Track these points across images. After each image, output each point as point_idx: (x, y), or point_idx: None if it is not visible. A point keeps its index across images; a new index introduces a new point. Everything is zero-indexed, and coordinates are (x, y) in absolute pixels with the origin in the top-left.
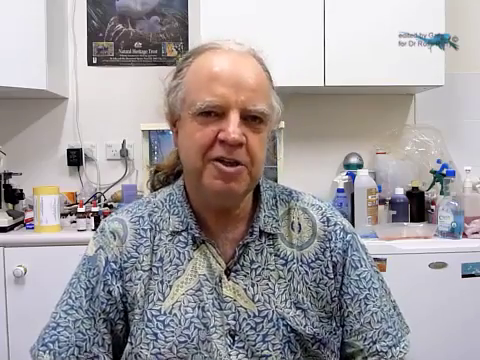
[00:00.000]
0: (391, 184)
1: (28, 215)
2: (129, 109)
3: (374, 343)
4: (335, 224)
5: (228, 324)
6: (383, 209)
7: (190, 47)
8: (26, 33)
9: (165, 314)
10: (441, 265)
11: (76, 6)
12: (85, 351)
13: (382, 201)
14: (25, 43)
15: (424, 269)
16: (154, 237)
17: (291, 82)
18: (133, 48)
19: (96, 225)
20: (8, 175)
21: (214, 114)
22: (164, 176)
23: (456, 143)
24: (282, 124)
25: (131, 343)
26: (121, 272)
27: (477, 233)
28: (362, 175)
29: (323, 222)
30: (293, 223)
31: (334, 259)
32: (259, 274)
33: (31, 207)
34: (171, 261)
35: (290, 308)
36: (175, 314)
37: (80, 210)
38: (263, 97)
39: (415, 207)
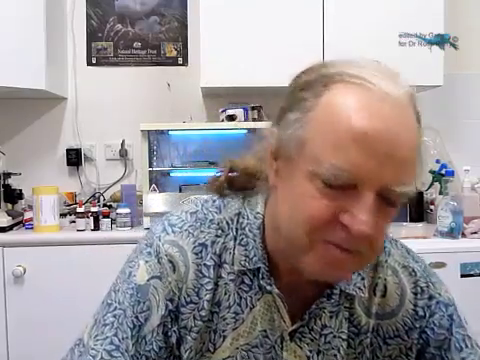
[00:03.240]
0: None
1: (27, 215)
2: (128, 109)
3: None
4: (430, 297)
5: None
6: None
7: (190, 45)
8: (25, 33)
9: None
10: (440, 265)
11: (75, 6)
12: None
13: None
14: (24, 43)
15: None
16: (216, 276)
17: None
18: (132, 48)
19: (95, 225)
20: (7, 175)
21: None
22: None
23: (455, 143)
24: None
25: None
26: (177, 314)
27: (476, 233)
28: None
29: (415, 293)
30: (377, 285)
31: (421, 342)
32: (328, 342)
33: (30, 207)
34: (230, 307)
35: None
36: None
37: (79, 210)
38: (413, 172)
39: (414, 207)
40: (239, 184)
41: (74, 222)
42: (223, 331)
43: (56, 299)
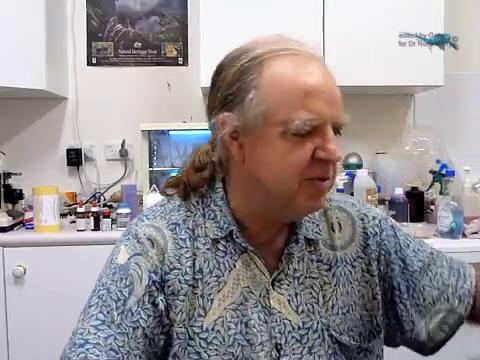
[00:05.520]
0: (390, 184)
1: (28, 215)
2: (128, 109)
3: (456, 291)
4: (373, 218)
5: (274, 338)
6: (382, 209)
7: (190, 45)
8: (26, 33)
9: (207, 331)
10: None
11: (76, 6)
12: None
13: (381, 201)
14: (24, 43)
15: None
16: (193, 247)
17: None
18: (132, 48)
19: (96, 225)
20: (8, 175)
21: (309, 129)
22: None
23: (455, 143)
24: None
25: None
26: (162, 284)
27: (476, 233)
28: (361, 175)
29: (361, 219)
30: (333, 224)
31: (379, 254)
32: (302, 283)
33: (30, 207)
34: (211, 272)
35: (336, 314)
36: (218, 330)
37: (80, 210)
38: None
39: (414, 207)
40: (196, 183)
41: (74, 222)
42: (209, 295)
43: (56, 299)
